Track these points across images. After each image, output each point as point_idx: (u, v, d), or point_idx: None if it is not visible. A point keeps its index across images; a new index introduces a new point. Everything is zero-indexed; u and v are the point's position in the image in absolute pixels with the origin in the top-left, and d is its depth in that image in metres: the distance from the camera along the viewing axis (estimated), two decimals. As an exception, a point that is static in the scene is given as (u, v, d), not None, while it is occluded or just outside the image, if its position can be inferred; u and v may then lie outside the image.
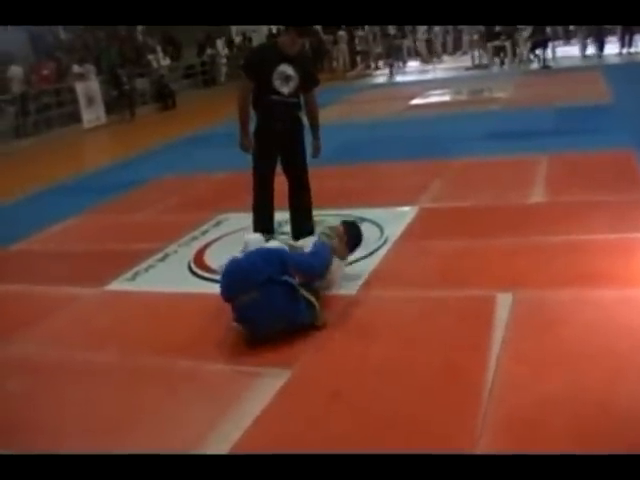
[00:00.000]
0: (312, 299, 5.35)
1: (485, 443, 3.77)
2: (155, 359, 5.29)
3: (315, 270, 5.61)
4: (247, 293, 5.12)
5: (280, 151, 7.07)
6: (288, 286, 5.22)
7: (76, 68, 22.83)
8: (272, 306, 5.11)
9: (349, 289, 6.07)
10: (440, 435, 3.91)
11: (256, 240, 5.98)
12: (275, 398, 4.46)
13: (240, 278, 5.25)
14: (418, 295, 5.84)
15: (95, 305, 6.64)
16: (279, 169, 7.25)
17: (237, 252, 5.80)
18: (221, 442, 4.04)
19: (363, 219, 7.82)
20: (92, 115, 22.35)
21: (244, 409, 4.37)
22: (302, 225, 7.18)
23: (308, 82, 7.05)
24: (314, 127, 7.25)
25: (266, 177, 7.06)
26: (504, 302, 5.45)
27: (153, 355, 5.35)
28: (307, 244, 6.02)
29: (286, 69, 6.80)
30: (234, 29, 36.20)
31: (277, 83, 6.81)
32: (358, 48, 34.14)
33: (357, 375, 4.66)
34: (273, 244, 5.90)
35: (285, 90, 6.85)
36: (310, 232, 6.99)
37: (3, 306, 6.92)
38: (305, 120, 7.25)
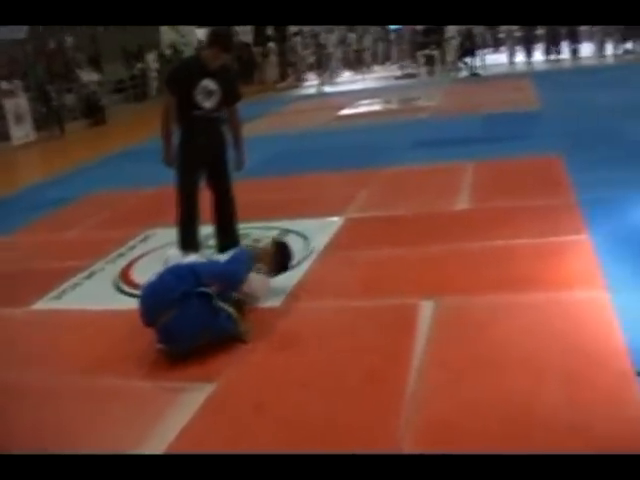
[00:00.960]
0: (230, 310, 5.36)
1: (407, 447, 3.83)
2: (80, 377, 5.26)
3: (231, 275, 5.63)
4: (165, 313, 5.13)
5: (204, 165, 7.06)
6: (205, 297, 5.23)
7: (4, 84, 22.55)
8: (192, 319, 5.13)
9: (274, 301, 6.09)
10: (362, 442, 3.94)
11: (175, 256, 5.99)
12: (199, 412, 4.48)
13: (155, 300, 5.28)
14: (342, 305, 5.89)
15: (20, 325, 6.56)
16: (203, 183, 7.24)
17: (159, 269, 5.82)
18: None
19: (289, 231, 7.88)
20: (21, 132, 22.06)
21: (168, 425, 4.37)
22: (227, 239, 7.19)
23: (231, 97, 7.06)
24: (237, 141, 7.25)
25: (190, 191, 7.04)
26: (427, 309, 5.52)
27: (78, 373, 5.32)
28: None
29: (208, 84, 6.79)
30: (164, 42, 36.03)
31: (199, 98, 6.80)
32: (291, 59, 34.18)
33: (281, 386, 4.70)
34: (191, 259, 5.90)
35: (207, 105, 6.85)
36: (236, 245, 7.01)
37: None
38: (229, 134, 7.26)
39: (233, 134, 7.24)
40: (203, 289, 5.26)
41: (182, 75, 6.95)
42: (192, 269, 5.44)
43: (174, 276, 5.36)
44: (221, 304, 5.33)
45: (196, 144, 6.94)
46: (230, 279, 5.60)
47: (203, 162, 7.04)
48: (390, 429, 4.03)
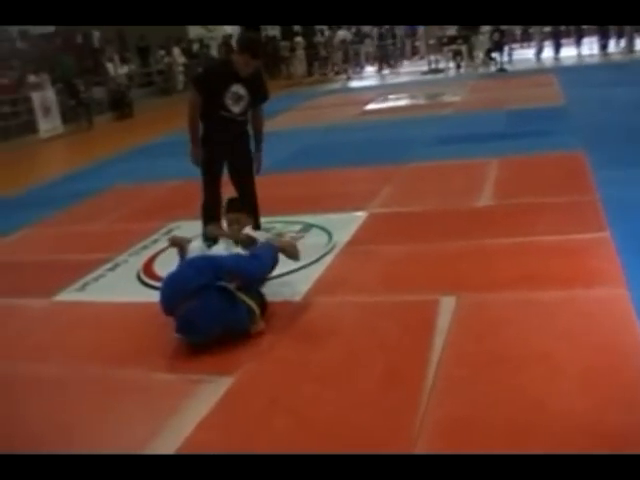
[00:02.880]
0: (252, 304, 5.39)
1: (422, 445, 3.82)
2: (99, 369, 5.30)
3: (251, 274, 5.64)
4: (184, 303, 5.17)
5: (227, 159, 7.07)
6: (224, 291, 5.27)
7: (32, 78, 22.69)
8: (210, 310, 5.17)
9: (294, 295, 6.12)
10: (377, 439, 3.94)
11: (196, 248, 5.97)
12: (216, 406, 4.49)
13: (173, 290, 5.35)
14: (363, 301, 5.89)
15: (42, 316, 6.62)
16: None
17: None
18: (162, 452, 4.05)
19: (311, 225, 7.91)
20: (49, 125, 22.24)
21: (185, 417, 4.40)
22: None
23: (258, 99, 7.05)
24: (258, 140, 7.22)
25: (213, 181, 7.08)
26: (447, 305, 5.51)
27: (97, 365, 5.36)
28: (262, 237, 6.18)
29: (239, 89, 6.79)
30: (191, 36, 36.13)
31: (229, 102, 6.79)
32: (322, 53, 34.08)
33: (297, 382, 4.71)
34: (217, 249, 5.90)
35: (236, 109, 6.84)
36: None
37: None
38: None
39: (255, 133, 7.22)
40: (223, 284, 5.30)
41: (214, 78, 6.92)
42: (212, 263, 5.47)
43: (193, 268, 5.41)
44: (243, 297, 5.37)
45: (219, 142, 6.95)
46: (251, 277, 5.63)
47: (226, 156, 7.03)
48: (405, 428, 4.01)
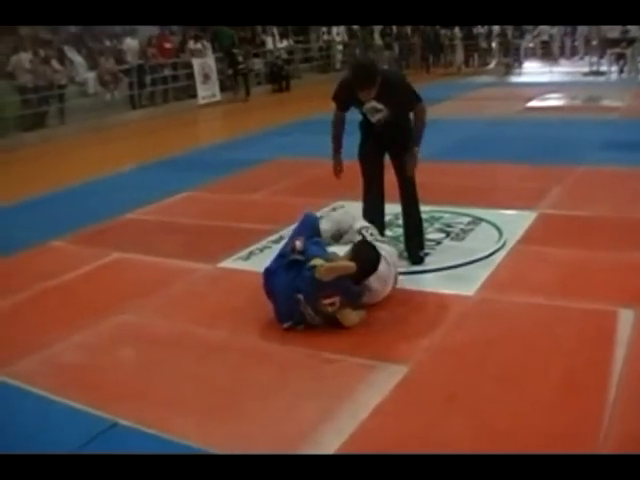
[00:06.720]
0: (314, 261, 5.43)
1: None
2: (267, 342, 5.34)
3: (299, 225, 6.06)
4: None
5: (385, 149, 6.77)
6: (291, 263, 5.52)
7: (192, 44, 23.03)
8: (280, 287, 5.50)
9: (467, 290, 6.01)
10: (561, 446, 3.81)
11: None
12: (391, 394, 4.44)
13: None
14: (537, 302, 5.72)
15: (208, 281, 6.72)
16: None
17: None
18: (336, 434, 4.03)
19: (480, 219, 7.78)
20: (207, 92, 22.61)
21: (359, 402, 4.36)
22: (407, 219, 6.89)
23: (406, 107, 6.55)
24: (414, 137, 6.62)
25: (373, 174, 6.80)
26: (626, 318, 5.31)
27: (265, 338, 5.41)
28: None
29: (374, 104, 6.39)
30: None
31: (369, 114, 6.51)
32: (482, 45, 33.68)
33: (474, 379, 4.62)
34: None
35: (374, 119, 6.52)
36: (417, 224, 6.86)
37: (118, 274, 7.07)
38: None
39: (414, 130, 6.64)
40: (291, 258, 5.54)
41: (347, 96, 6.47)
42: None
43: (271, 263, 5.78)
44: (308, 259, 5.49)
45: (371, 140, 6.72)
46: (300, 226, 6.02)
47: (382, 146, 6.75)
48: (590, 437, 3.88)
